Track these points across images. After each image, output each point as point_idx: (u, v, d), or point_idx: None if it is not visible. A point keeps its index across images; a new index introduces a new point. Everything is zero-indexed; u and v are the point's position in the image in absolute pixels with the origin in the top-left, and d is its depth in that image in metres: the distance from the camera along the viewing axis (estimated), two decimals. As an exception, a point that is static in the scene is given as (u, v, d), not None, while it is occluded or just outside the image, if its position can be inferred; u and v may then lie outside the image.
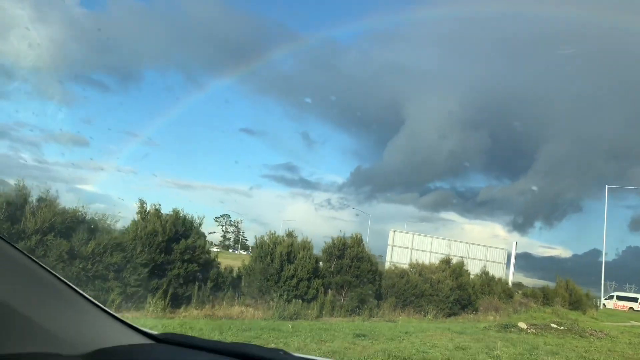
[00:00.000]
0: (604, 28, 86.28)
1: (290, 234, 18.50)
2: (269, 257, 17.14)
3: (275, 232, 18.48)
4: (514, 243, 38.53)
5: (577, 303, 31.92)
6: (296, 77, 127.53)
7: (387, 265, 33.88)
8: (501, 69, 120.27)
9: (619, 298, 58.13)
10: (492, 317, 22.78)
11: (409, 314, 20.69)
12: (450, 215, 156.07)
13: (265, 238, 18.28)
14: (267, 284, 16.82)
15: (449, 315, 22.34)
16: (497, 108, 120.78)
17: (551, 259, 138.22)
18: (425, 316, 20.74)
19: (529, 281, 35.28)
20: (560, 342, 12.81)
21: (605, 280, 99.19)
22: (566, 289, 31.63)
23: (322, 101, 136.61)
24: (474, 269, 30.78)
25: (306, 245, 18.12)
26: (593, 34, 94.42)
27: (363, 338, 10.10)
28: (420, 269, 22.81)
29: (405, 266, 24.19)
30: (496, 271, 36.93)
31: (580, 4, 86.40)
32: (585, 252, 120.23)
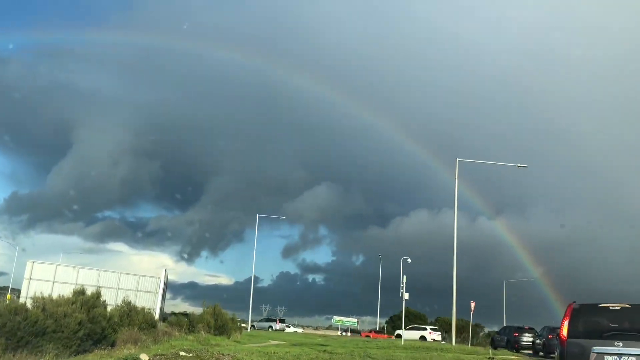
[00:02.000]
0: (266, 74, 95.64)
1: None
2: None
3: None
4: (164, 271, 37.82)
5: (222, 327, 32.67)
6: None
7: (22, 300, 29.18)
8: (179, 103, 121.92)
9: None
10: (129, 351, 21.07)
11: (22, 357, 17.43)
12: (119, 246, 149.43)
13: None
14: None
15: (78, 353, 19.78)
16: (171, 139, 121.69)
17: (215, 287, 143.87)
18: (43, 357, 17.79)
19: (195, 309, 35.39)
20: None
21: (260, 303, 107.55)
22: (212, 315, 32.12)
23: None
24: (120, 299, 28.74)
25: None
26: (259, 80, 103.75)
27: None
28: (44, 303, 19.72)
29: (26, 300, 20.69)
30: (148, 301, 35.51)
31: (254, 54, 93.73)
32: (246, 279, 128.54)
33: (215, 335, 30.77)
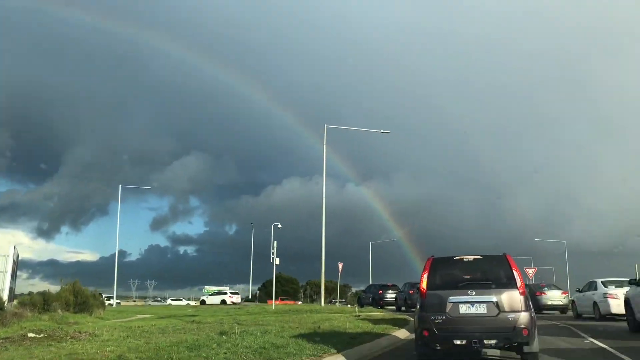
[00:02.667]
0: (125, 37, 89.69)
1: None
2: None
3: None
4: (12, 248, 34.33)
5: (83, 305, 30.64)
6: None
7: None
8: (28, 66, 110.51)
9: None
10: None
11: None
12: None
13: None
14: None
15: None
16: (22, 107, 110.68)
17: (79, 264, 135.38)
18: None
19: (56, 288, 32.43)
20: (16, 355, 10.77)
21: (129, 279, 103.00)
22: (72, 292, 29.92)
23: None
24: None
25: None
26: (118, 43, 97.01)
27: None
28: None
29: None
30: (-5, 282, 32.18)
31: (110, 14, 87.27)
32: (112, 254, 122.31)
33: (75, 313, 28.77)
